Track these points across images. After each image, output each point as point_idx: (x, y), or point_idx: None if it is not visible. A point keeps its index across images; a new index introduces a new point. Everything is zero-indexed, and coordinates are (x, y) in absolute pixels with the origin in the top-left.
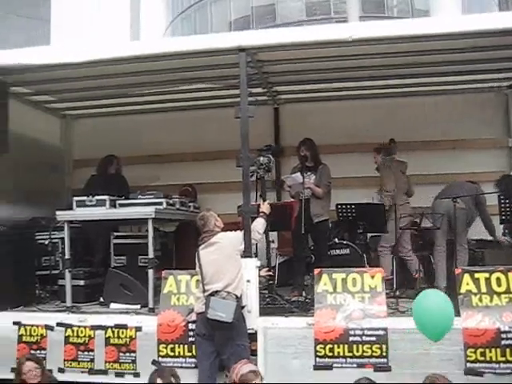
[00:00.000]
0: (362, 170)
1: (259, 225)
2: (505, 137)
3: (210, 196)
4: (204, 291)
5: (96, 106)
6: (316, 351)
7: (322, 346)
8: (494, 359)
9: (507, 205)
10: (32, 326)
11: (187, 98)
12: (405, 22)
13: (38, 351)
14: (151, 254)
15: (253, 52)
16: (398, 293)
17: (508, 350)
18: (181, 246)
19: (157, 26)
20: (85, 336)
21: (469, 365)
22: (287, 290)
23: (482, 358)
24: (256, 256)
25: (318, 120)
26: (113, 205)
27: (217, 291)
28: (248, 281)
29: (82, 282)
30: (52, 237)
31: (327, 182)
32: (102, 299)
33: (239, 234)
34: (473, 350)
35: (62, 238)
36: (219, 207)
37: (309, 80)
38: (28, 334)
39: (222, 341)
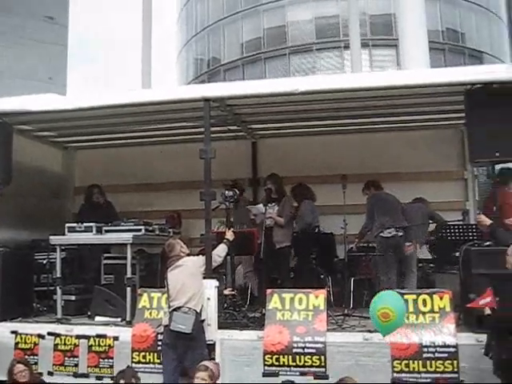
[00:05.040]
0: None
1: (220, 249)
2: (461, 169)
3: (194, 221)
4: (169, 307)
5: (94, 139)
6: (264, 360)
7: (270, 356)
8: (416, 370)
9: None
10: (27, 334)
11: (176, 134)
12: (341, 77)
13: (32, 357)
14: (129, 274)
15: (220, 99)
16: (350, 311)
17: (428, 362)
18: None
19: (170, 46)
20: (71, 344)
21: (395, 375)
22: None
23: (407, 369)
24: (225, 276)
25: (291, 153)
26: (99, 230)
27: (179, 307)
28: (208, 298)
29: (73, 297)
30: (50, 257)
31: (289, 212)
32: (89, 312)
33: (201, 258)
34: (399, 361)
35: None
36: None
37: (277, 120)
38: (23, 341)
39: (183, 349)
